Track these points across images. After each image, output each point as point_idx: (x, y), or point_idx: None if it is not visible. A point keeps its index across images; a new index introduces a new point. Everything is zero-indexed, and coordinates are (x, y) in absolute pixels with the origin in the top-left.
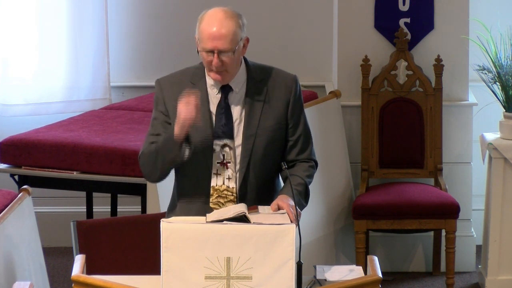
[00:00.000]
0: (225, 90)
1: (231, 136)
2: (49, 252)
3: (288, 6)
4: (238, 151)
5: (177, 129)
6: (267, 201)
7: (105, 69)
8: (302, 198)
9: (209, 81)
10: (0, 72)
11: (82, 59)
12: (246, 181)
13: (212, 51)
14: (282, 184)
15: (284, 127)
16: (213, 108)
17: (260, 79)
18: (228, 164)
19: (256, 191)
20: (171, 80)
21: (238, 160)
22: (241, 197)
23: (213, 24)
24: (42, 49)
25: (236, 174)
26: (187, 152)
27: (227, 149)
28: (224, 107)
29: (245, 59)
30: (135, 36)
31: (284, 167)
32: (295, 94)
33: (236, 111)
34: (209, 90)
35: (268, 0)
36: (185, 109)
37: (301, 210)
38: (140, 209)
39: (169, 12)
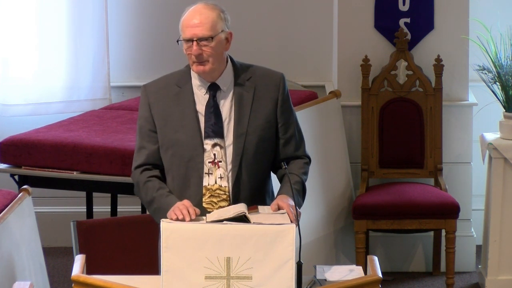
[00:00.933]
0: (213, 89)
1: (221, 135)
2: (49, 252)
3: (288, 6)
4: (229, 150)
5: (171, 215)
6: (260, 200)
7: (105, 69)
8: (300, 197)
9: (196, 81)
10: (0, 72)
11: (82, 59)
12: (239, 180)
13: (191, 40)
14: (272, 183)
15: (274, 125)
16: (200, 108)
17: (247, 77)
18: (220, 164)
19: (249, 190)
20: (157, 84)
21: (229, 159)
22: (234, 196)
23: (192, 15)
24: (42, 49)
25: (228, 173)
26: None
27: (218, 148)
28: (213, 106)
29: (231, 59)
30: (135, 36)
31: (284, 167)
32: (283, 92)
33: (225, 110)
34: (196, 91)
35: (268, 0)
36: (183, 211)
37: (299, 208)
38: (140, 209)
39: (169, 12)
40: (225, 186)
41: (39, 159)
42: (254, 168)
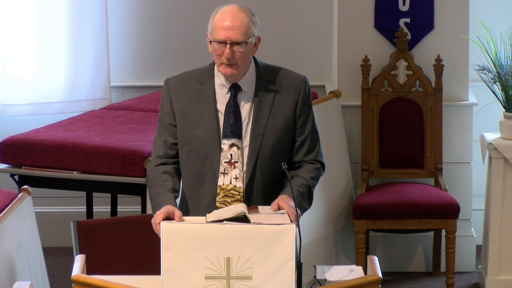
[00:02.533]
0: (234, 89)
1: (239, 136)
2: (49, 252)
3: (288, 6)
4: (246, 151)
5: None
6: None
7: (105, 69)
8: (304, 200)
9: (218, 80)
10: (0, 72)
11: (82, 59)
12: (253, 180)
13: (224, 42)
14: None
15: (292, 127)
16: (221, 107)
17: (269, 79)
18: (236, 164)
19: (263, 191)
20: (179, 80)
21: (245, 160)
22: (247, 197)
23: (227, 17)
24: (42, 49)
25: (243, 174)
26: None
27: (235, 148)
28: (233, 106)
29: (255, 59)
30: (135, 36)
31: (284, 167)
32: (304, 95)
33: (245, 111)
34: (218, 89)
35: (268, 0)
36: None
37: (303, 212)
38: (140, 209)
39: (169, 12)
40: (240, 187)
41: (39, 159)
42: (269, 170)
